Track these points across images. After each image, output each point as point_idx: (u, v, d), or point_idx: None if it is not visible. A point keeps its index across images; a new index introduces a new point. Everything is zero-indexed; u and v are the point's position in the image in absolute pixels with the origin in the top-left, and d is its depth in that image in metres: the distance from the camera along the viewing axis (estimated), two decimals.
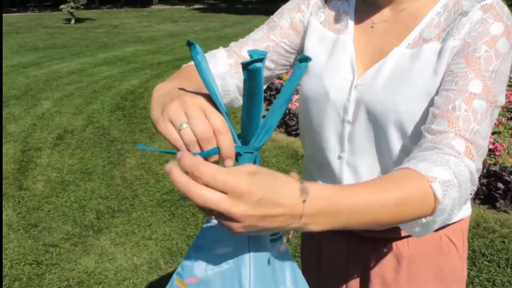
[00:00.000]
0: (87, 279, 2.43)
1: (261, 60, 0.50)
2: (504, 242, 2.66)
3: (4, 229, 2.88)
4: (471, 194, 0.67)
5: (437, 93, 0.75)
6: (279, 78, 5.35)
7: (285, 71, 0.96)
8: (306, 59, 0.53)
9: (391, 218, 0.58)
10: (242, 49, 0.90)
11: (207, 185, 0.47)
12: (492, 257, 2.52)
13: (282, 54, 0.92)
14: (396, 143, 0.80)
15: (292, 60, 0.95)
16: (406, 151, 0.80)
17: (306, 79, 0.90)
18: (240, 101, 0.89)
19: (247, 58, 0.86)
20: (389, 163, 0.83)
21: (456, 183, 0.62)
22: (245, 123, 0.55)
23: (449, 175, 0.62)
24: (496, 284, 2.32)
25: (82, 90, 6.01)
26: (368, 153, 0.84)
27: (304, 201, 0.50)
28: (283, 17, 0.92)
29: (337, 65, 0.85)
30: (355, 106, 0.83)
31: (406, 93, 0.77)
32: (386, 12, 0.84)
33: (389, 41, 0.82)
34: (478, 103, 0.69)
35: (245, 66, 0.51)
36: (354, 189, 0.56)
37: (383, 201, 0.57)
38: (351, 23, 0.87)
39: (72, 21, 13.83)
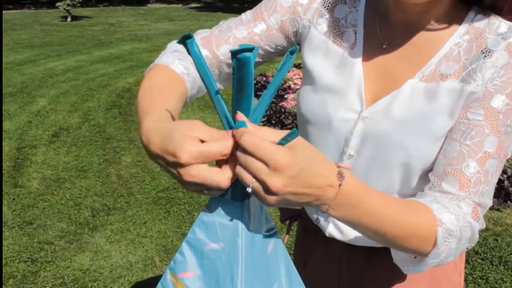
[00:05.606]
0: (82, 277, 2.43)
1: (251, 50, 0.48)
2: (497, 240, 2.68)
3: None
4: (467, 248, 0.70)
5: (446, 135, 0.72)
6: (265, 76, 5.35)
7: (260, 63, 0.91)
8: (295, 50, 0.53)
9: (394, 238, 0.62)
10: (221, 46, 0.81)
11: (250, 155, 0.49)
12: (485, 255, 2.54)
13: (261, 54, 0.85)
14: (397, 183, 0.77)
15: (271, 57, 0.87)
16: (405, 192, 0.78)
17: (306, 97, 0.83)
18: (200, 93, 0.83)
19: (223, 57, 0.82)
20: None
21: (458, 236, 0.65)
22: (235, 114, 0.54)
23: (455, 226, 0.65)
24: (489, 282, 2.33)
25: (78, 87, 5.99)
26: None
27: (340, 185, 0.53)
28: (273, 16, 0.82)
29: (344, 90, 0.78)
30: (358, 139, 0.77)
31: (420, 135, 0.72)
32: (398, 32, 0.75)
33: (402, 68, 0.75)
34: (491, 163, 0.68)
35: (234, 54, 0.48)
36: (378, 196, 0.59)
37: (396, 220, 0.60)
38: (360, 39, 0.78)
39: (69, 19, 13.74)
